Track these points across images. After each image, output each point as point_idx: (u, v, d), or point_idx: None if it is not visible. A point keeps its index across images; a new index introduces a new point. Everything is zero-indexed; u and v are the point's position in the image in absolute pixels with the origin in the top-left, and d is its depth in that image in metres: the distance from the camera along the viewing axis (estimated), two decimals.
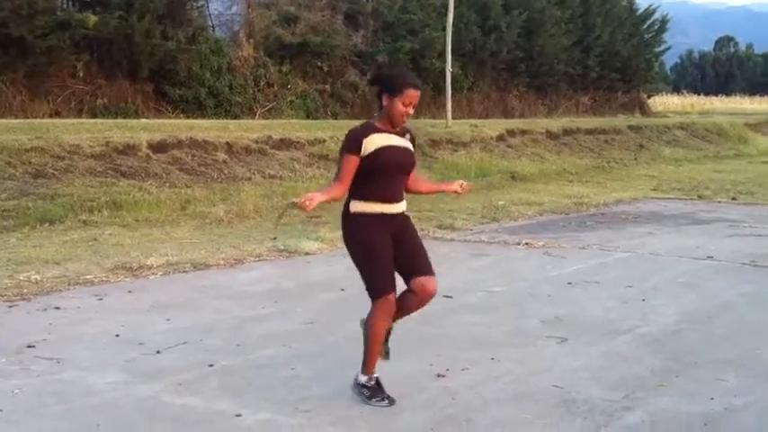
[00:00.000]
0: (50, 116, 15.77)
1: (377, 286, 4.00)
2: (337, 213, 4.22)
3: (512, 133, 20.02)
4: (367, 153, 4.01)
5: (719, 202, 13.19)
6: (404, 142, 4.15)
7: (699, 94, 57.55)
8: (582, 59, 31.00)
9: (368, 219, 4.05)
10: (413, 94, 4.03)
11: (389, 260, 4.04)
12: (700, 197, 13.74)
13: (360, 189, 4.06)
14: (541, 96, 30.11)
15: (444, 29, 20.34)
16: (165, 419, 3.91)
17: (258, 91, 20.57)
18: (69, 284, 6.55)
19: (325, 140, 14.95)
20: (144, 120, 15.71)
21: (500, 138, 19.27)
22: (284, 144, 14.29)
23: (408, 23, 23.75)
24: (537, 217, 11.15)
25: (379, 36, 23.77)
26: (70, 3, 18.13)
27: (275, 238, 8.68)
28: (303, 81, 21.77)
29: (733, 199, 13.49)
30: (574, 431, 3.82)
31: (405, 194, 4.21)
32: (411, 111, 4.07)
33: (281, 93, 21.02)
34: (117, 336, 5.24)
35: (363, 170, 4.03)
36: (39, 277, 6.63)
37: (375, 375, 4.14)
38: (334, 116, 21.74)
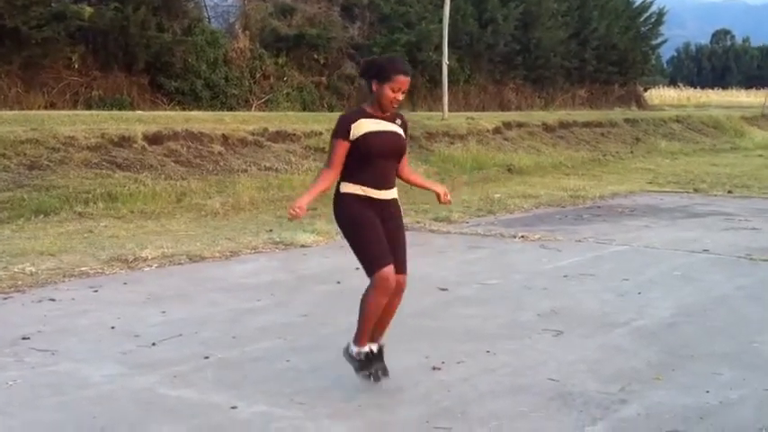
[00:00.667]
0: (45, 108, 15.72)
1: (373, 260, 4.02)
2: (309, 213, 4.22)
3: (508, 126, 20.00)
4: (356, 137, 4.03)
5: (715, 195, 13.20)
6: (394, 127, 4.15)
7: (695, 88, 57.63)
8: (578, 52, 30.97)
9: (357, 199, 4.07)
10: (402, 80, 4.04)
11: (381, 236, 4.06)
12: (696, 190, 13.75)
13: (350, 173, 4.08)
14: (538, 89, 30.09)
15: (441, 21, 20.29)
16: (160, 411, 3.90)
17: (254, 83, 20.53)
18: (64, 276, 6.53)
19: (321, 133, 14.90)
20: (139, 111, 15.66)
21: (496, 130, 19.25)
22: (280, 136, 14.26)
23: (405, 16, 23.69)
24: (533, 210, 11.15)
25: (376, 28, 23.72)
26: None
27: (271, 231, 8.67)
28: (299, 73, 21.73)
29: (729, 192, 13.50)
30: (570, 424, 3.82)
31: (396, 182, 4.22)
32: (401, 97, 4.07)
33: (278, 85, 20.98)
34: (112, 328, 5.23)
35: (353, 155, 4.05)
36: (34, 269, 6.61)
37: (365, 349, 4.12)
38: (331, 108, 21.69)
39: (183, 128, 12.91)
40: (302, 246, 8.07)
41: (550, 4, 28.91)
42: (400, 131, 4.18)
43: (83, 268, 6.78)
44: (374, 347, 4.15)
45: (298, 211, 3.94)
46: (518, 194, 12.32)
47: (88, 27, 16.73)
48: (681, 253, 8.09)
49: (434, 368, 4.54)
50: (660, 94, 47.44)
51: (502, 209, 10.96)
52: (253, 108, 19.73)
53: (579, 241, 8.69)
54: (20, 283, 6.26)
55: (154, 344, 4.90)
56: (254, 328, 5.29)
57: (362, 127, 4.05)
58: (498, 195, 12.03)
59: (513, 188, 13.19)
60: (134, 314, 5.56)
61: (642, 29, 36.32)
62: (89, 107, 16.37)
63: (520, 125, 20.47)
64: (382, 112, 4.12)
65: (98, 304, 5.80)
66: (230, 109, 18.78)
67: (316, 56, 22.11)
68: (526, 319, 5.64)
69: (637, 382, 4.36)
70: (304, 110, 20.58)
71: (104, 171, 10.86)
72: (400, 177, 4.31)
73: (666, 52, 69.67)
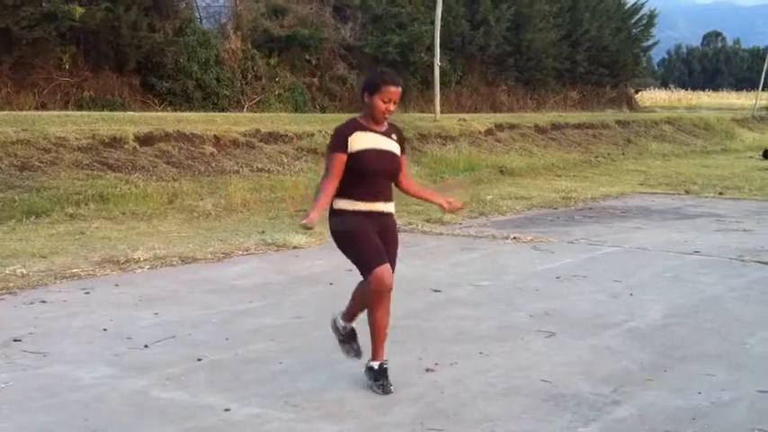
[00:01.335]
0: (36, 108, 15.66)
1: (368, 262, 4.04)
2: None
3: (500, 127, 20.04)
4: (353, 151, 4.05)
5: (706, 196, 13.26)
6: (389, 144, 4.17)
7: (686, 89, 57.85)
8: (570, 54, 31.06)
9: (351, 213, 4.11)
10: (392, 91, 4.08)
11: (376, 240, 4.09)
12: (687, 192, 13.80)
13: (345, 188, 4.09)
14: (530, 91, 30.15)
15: (433, 22, 20.31)
16: (152, 414, 3.89)
17: (246, 84, 20.50)
18: (56, 278, 6.50)
19: (313, 134, 14.91)
20: (131, 112, 15.61)
21: (488, 132, 19.28)
22: (272, 137, 14.25)
23: (397, 17, 23.69)
24: (525, 211, 11.17)
25: (368, 29, 23.72)
26: None
27: (263, 232, 8.66)
28: (291, 74, 21.71)
29: (720, 194, 13.55)
30: (562, 425, 3.82)
31: (393, 194, 4.25)
32: (392, 107, 4.11)
33: (269, 86, 20.95)
34: (104, 330, 5.21)
35: (348, 169, 4.06)
36: (25, 271, 6.58)
37: (352, 325, 4.35)
38: (323, 110, 21.69)
39: (175, 129, 12.88)
40: (295, 247, 8.06)
41: (542, 6, 28.97)
42: (396, 149, 4.20)
43: (74, 270, 6.76)
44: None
45: (311, 223, 3.90)
46: (510, 196, 12.34)
47: (79, 27, 16.68)
48: (672, 254, 8.12)
49: (428, 369, 4.54)
50: (651, 96, 47.64)
51: (494, 210, 10.98)
52: (245, 109, 19.70)
53: (571, 243, 8.71)
54: (11, 284, 6.23)
55: (146, 346, 4.88)
56: (247, 330, 5.28)
57: (358, 141, 4.07)
58: (490, 197, 12.04)
59: (505, 190, 13.21)
60: (126, 316, 5.54)
61: (633, 31, 36.44)
62: (80, 108, 16.32)
63: (512, 127, 20.51)
64: (375, 123, 4.15)
65: (90, 306, 5.78)
66: (222, 110, 18.75)
67: (308, 57, 22.10)
68: (519, 320, 5.64)
69: (629, 384, 4.37)
70: (296, 111, 20.56)
71: (96, 172, 10.83)
72: (400, 190, 4.34)
73: (658, 54, 69.95)
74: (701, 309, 6.04)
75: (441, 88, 20.42)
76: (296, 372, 4.49)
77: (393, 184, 4.28)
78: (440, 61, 20.11)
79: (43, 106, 16.06)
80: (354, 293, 4.28)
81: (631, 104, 36.52)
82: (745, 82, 64.03)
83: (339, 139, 4.08)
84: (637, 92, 39.95)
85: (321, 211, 4.00)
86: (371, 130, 4.13)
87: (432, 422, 3.82)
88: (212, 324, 5.40)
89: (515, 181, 14.74)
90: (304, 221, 3.92)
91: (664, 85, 60.32)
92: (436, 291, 6.43)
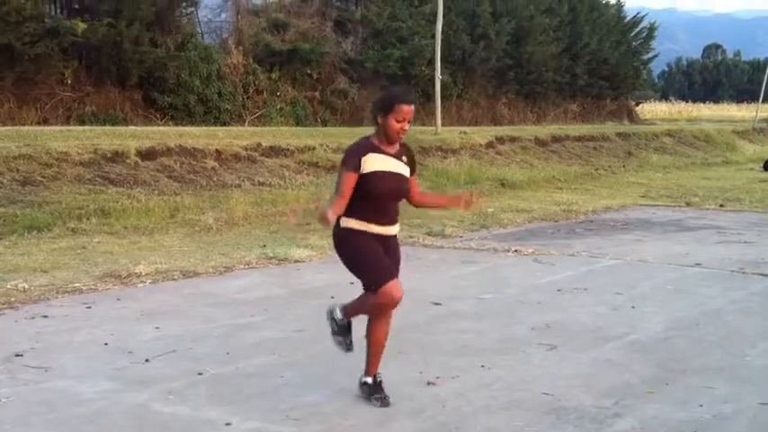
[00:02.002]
0: (38, 123, 15.73)
1: (377, 277, 4.02)
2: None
3: (501, 140, 20.08)
4: (365, 172, 4.03)
5: (707, 209, 13.26)
6: (400, 167, 4.15)
7: (687, 102, 57.89)
8: (570, 67, 31.15)
9: (357, 232, 4.09)
10: (406, 110, 4.04)
11: (383, 256, 4.07)
12: (688, 204, 13.80)
13: (352, 208, 4.07)
14: (530, 104, 30.24)
15: (434, 36, 20.40)
16: (154, 428, 3.89)
17: (247, 98, 20.58)
18: (57, 293, 6.51)
19: (314, 148, 14.95)
20: (132, 127, 15.67)
21: (489, 145, 19.32)
22: (273, 151, 14.29)
23: (398, 31, 23.80)
24: (526, 224, 11.18)
25: (369, 43, 23.82)
26: (59, 10, 18.10)
27: (265, 246, 8.67)
28: (292, 88, 21.79)
29: (721, 206, 13.55)
30: None
31: (398, 216, 4.24)
32: (407, 126, 4.07)
33: (271, 100, 21.03)
34: (105, 344, 5.21)
35: (358, 190, 4.04)
36: (26, 285, 6.59)
37: (348, 320, 4.34)
38: (324, 123, 21.75)
39: (177, 143, 12.92)
40: (296, 261, 8.06)
41: (542, 20, 29.08)
42: (405, 172, 4.18)
43: (76, 284, 6.76)
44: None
45: (330, 218, 3.88)
46: (511, 209, 12.35)
47: (81, 43, 16.77)
48: (673, 267, 8.12)
49: (429, 383, 4.54)
50: (652, 109, 47.72)
51: (495, 223, 10.98)
52: (246, 123, 19.76)
53: (572, 255, 8.71)
54: (13, 299, 6.24)
55: (147, 360, 4.88)
56: (248, 344, 5.27)
57: (371, 163, 4.05)
58: (491, 210, 12.05)
59: (505, 202, 13.22)
60: (127, 330, 5.54)
61: (633, 43, 36.57)
62: (82, 123, 16.37)
63: (512, 139, 20.55)
64: (389, 143, 4.12)
65: (91, 320, 5.78)
66: (223, 124, 18.82)
67: (309, 71, 22.19)
68: (520, 333, 5.64)
69: (631, 397, 4.36)
70: (297, 125, 20.63)
71: (97, 187, 10.86)
72: (415, 206, 4.36)
73: (658, 66, 70.08)
74: (703, 321, 6.03)
75: (441, 101, 20.49)
76: (297, 385, 4.49)
77: (405, 202, 4.28)
78: (441, 75, 20.19)
79: (45, 121, 16.12)
80: (360, 298, 4.20)
81: (632, 117, 36.60)
82: (746, 94, 64.10)
83: (352, 159, 4.05)
84: (637, 104, 40.05)
85: (335, 216, 3.94)
86: (384, 153, 4.10)
87: None
88: (213, 338, 5.41)
89: (516, 194, 14.75)
90: (326, 216, 3.84)
91: (664, 97, 60.41)
92: (437, 304, 6.43)
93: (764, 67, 38.63)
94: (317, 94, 22.37)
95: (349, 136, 16.69)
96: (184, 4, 19.62)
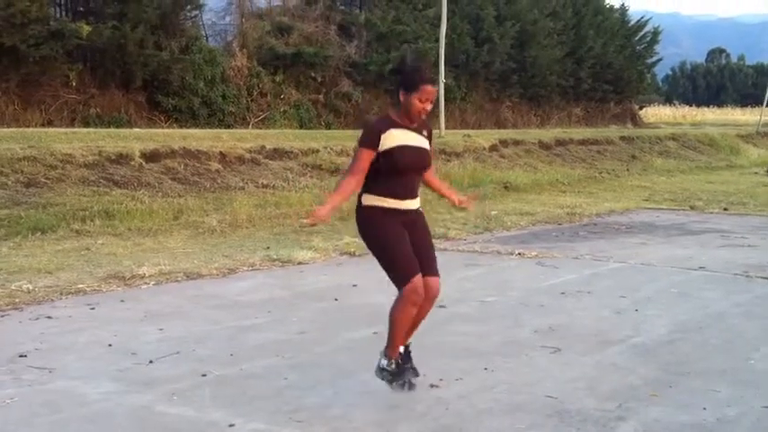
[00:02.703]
0: (43, 125, 15.77)
1: (401, 273, 3.99)
2: (331, 222, 4.22)
3: (504, 144, 20.08)
4: (384, 149, 3.98)
5: (711, 212, 13.24)
6: (421, 141, 4.13)
7: (691, 105, 57.88)
8: (574, 71, 31.17)
9: (380, 211, 4.04)
10: (430, 90, 4.02)
11: (408, 247, 4.03)
12: (692, 208, 13.79)
13: (373, 184, 4.03)
14: (534, 107, 30.26)
15: (437, 40, 20.42)
16: (157, 429, 3.89)
17: (251, 101, 20.62)
18: (61, 294, 6.52)
19: (318, 150, 14.97)
20: (137, 129, 15.70)
21: (493, 148, 19.32)
22: (277, 154, 14.31)
23: (402, 34, 23.84)
24: (530, 227, 11.17)
25: (373, 47, 23.86)
26: (64, 12, 18.16)
27: (268, 248, 8.68)
28: (296, 91, 21.83)
29: (725, 210, 13.54)
30: None
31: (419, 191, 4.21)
32: (429, 106, 4.05)
33: (275, 103, 21.07)
34: (109, 345, 5.22)
35: (378, 166, 4.00)
36: (31, 287, 6.61)
37: (395, 359, 4.15)
38: (328, 126, 21.79)
39: (181, 145, 12.94)
40: (299, 263, 8.07)
41: (546, 23, 29.11)
42: (426, 145, 4.17)
43: (80, 286, 6.78)
44: (401, 347, 4.19)
45: (316, 219, 3.88)
46: (515, 212, 12.35)
47: (86, 45, 16.83)
48: (677, 270, 8.11)
49: (432, 385, 4.53)
50: (656, 112, 47.71)
51: (499, 226, 10.98)
52: (250, 126, 19.80)
53: (576, 258, 8.71)
54: (17, 300, 6.25)
55: (151, 361, 4.89)
56: (252, 346, 5.28)
57: (392, 138, 4.01)
58: (495, 212, 12.05)
59: (509, 205, 13.22)
60: (131, 332, 5.55)
61: (637, 47, 36.60)
62: (86, 125, 16.42)
63: (516, 143, 20.55)
64: (410, 122, 4.09)
65: (95, 322, 5.79)
66: (228, 127, 18.85)
67: (313, 74, 22.23)
68: (523, 336, 5.64)
69: (634, 400, 4.36)
70: (301, 127, 20.66)
71: (102, 188, 10.89)
72: (424, 182, 4.32)
73: (662, 70, 70.12)
74: (706, 324, 6.02)
75: (445, 105, 20.49)
76: (301, 387, 4.49)
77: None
78: (444, 78, 20.19)
79: (50, 123, 16.16)
80: (389, 318, 4.13)
81: (636, 121, 36.60)
82: (750, 98, 64.05)
83: (371, 135, 4.00)
84: (641, 108, 40.05)
85: (332, 209, 3.91)
86: (405, 127, 4.07)
87: None
88: (217, 339, 5.41)
89: (520, 197, 14.75)
90: (309, 218, 3.87)
91: (668, 101, 60.35)
92: (441, 306, 6.40)
93: None
94: (320, 97, 22.41)
95: (353, 139, 16.73)
96: (189, 7, 19.68)
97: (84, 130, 14.65)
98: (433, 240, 9.19)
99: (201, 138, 14.12)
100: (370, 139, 3.99)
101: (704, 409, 4.24)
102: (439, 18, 20.46)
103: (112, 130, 14.65)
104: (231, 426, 3.92)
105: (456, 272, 7.93)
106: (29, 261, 7.62)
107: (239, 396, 4.33)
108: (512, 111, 29.07)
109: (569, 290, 7.09)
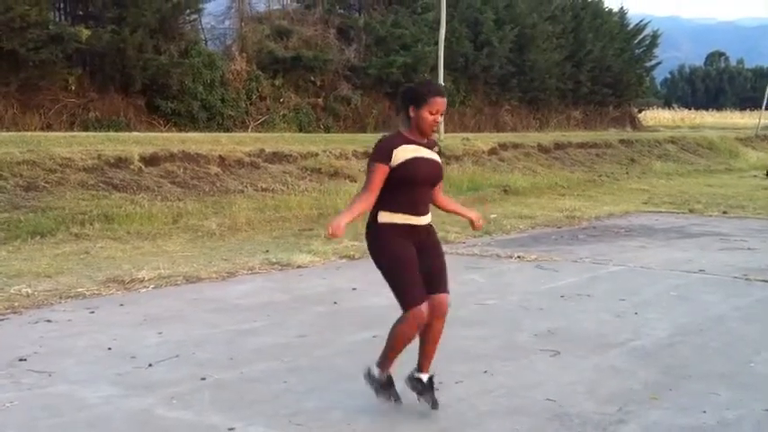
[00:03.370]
0: (42, 129, 15.78)
1: (407, 298, 3.97)
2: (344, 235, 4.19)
3: (504, 147, 20.09)
4: (397, 163, 3.98)
5: (710, 215, 13.25)
6: (433, 155, 4.12)
7: (690, 109, 57.96)
8: (573, 74, 31.20)
9: (394, 229, 4.02)
10: (439, 102, 4.02)
11: (416, 272, 4.01)
12: (691, 211, 13.79)
13: (387, 200, 4.01)
14: (533, 110, 30.28)
15: (436, 43, 20.44)
16: None
17: (251, 104, 20.63)
18: (61, 298, 6.52)
19: (317, 154, 14.98)
20: (136, 133, 15.70)
21: (492, 151, 19.33)
22: (277, 157, 14.31)
23: (401, 38, 23.86)
24: (529, 230, 11.18)
25: (372, 50, 23.88)
26: (63, 16, 18.18)
27: (267, 251, 8.67)
28: (296, 95, 21.84)
29: (724, 213, 13.54)
30: None
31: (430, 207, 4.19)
32: (439, 119, 4.05)
33: (274, 106, 21.08)
34: (109, 349, 5.22)
35: (392, 181, 3.99)
36: (30, 290, 6.60)
37: (386, 374, 4.14)
38: (327, 130, 21.80)
39: (180, 149, 12.95)
40: (299, 266, 8.07)
41: (545, 27, 29.15)
42: (439, 159, 4.16)
43: (79, 289, 6.77)
44: (424, 377, 4.15)
45: (336, 230, 3.84)
46: (514, 215, 12.35)
47: (85, 49, 16.84)
48: (677, 273, 8.11)
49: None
50: (655, 116, 47.76)
51: (498, 229, 10.98)
52: (249, 129, 19.81)
53: (575, 261, 8.71)
54: (16, 304, 6.25)
55: (150, 365, 4.89)
56: (251, 350, 5.27)
57: (405, 152, 4.00)
58: (494, 216, 12.05)
59: (509, 209, 13.22)
60: (130, 335, 5.54)
61: (636, 51, 36.64)
62: (86, 128, 16.43)
63: (515, 146, 20.57)
64: (421, 136, 4.08)
65: (94, 325, 5.79)
66: (227, 130, 18.86)
67: (312, 77, 22.25)
68: (523, 339, 5.64)
69: (634, 403, 4.35)
70: (300, 131, 20.67)
71: (101, 192, 10.88)
72: (436, 205, 4.29)
73: (661, 74, 70.21)
74: (706, 328, 6.02)
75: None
76: (300, 391, 4.49)
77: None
78: (443, 82, 20.19)
79: (49, 127, 16.17)
80: (390, 333, 4.10)
81: (635, 124, 36.63)
82: (749, 101, 64.13)
83: (383, 151, 4.00)
84: (640, 111, 40.09)
85: (349, 221, 3.89)
86: (416, 143, 4.06)
87: None
88: (216, 343, 5.41)
89: (519, 200, 14.75)
90: (330, 230, 3.83)
91: (667, 104, 60.46)
92: None
93: (767, 75, 38.63)
94: (320, 100, 22.42)
95: (352, 142, 16.74)
96: (188, 11, 19.70)
97: (84, 133, 14.65)
98: None
99: (201, 141, 14.12)
100: (382, 155, 3.99)
101: (704, 412, 4.24)
102: (438, 22, 20.47)
103: (112, 134, 14.64)
104: (231, 429, 3.91)
105: (456, 275, 7.90)
106: (28, 265, 7.62)
107: (239, 400, 4.33)
108: (511, 114, 29.09)
109: (569, 293, 7.09)
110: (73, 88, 17.02)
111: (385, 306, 5.99)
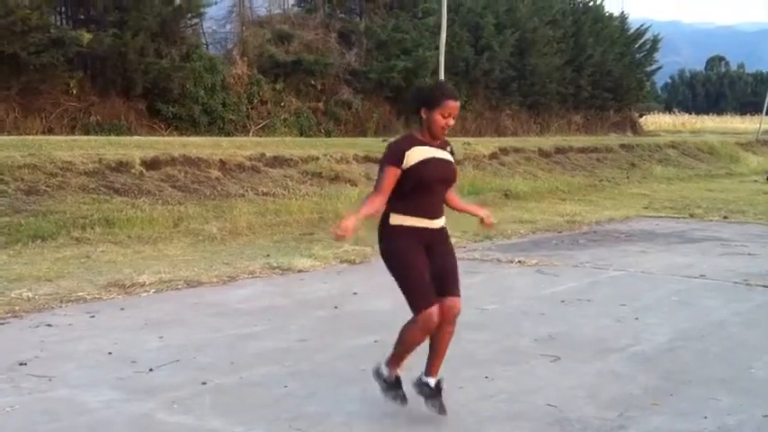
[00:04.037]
0: (43, 133, 15.77)
1: (417, 302, 3.96)
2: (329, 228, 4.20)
3: (504, 151, 20.10)
4: (409, 165, 3.95)
5: (711, 220, 13.25)
6: (446, 155, 4.10)
7: (690, 113, 57.94)
8: (574, 79, 31.20)
9: (406, 232, 3.99)
10: (452, 105, 4.00)
11: (427, 277, 3.99)
12: (691, 216, 13.79)
13: (400, 202, 3.99)
14: (534, 115, 30.27)
15: (437, 48, 20.42)
16: None
17: (252, 108, 20.63)
18: (62, 302, 6.52)
19: (318, 158, 14.98)
20: (137, 137, 15.71)
21: (493, 156, 19.34)
22: (277, 161, 14.32)
23: (401, 42, 23.86)
24: (530, 235, 11.18)
25: (373, 55, 23.89)
26: (64, 20, 18.19)
27: (268, 255, 8.67)
28: (297, 99, 21.84)
29: (725, 218, 13.54)
30: None
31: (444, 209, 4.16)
32: (451, 122, 4.02)
33: (275, 110, 21.08)
34: (109, 353, 5.22)
35: (405, 183, 3.96)
36: (31, 294, 6.60)
37: (395, 374, 4.13)
38: (328, 134, 21.80)
39: (181, 153, 12.96)
40: (300, 271, 8.07)
41: (546, 31, 29.16)
42: (452, 160, 4.13)
43: (80, 293, 6.77)
44: (431, 382, 4.12)
45: (344, 232, 3.81)
46: (515, 219, 12.35)
47: (87, 53, 16.84)
48: (677, 278, 8.11)
49: None
50: (655, 120, 47.75)
51: (499, 234, 10.97)
52: (250, 133, 19.81)
53: (576, 266, 8.71)
54: (17, 308, 6.25)
55: (151, 369, 4.89)
56: (252, 354, 5.28)
57: (417, 154, 3.97)
58: (495, 220, 12.02)
59: (509, 213, 13.22)
60: (131, 340, 5.55)
61: (637, 56, 36.62)
62: (87, 132, 16.42)
63: (516, 150, 20.58)
64: (433, 138, 4.05)
65: (95, 330, 5.79)
66: (228, 134, 18.86)
67: (313, 82, 22.25)
68: (524, 344, 5.64)
69: (634, 408, 4.36)
70: (301, 135, 20.68)
71: (102, 196, 10.89)
72: (447, 204, 4.26)
73: (661, 78, 70.23)
74: (707, 333, 6.02)
75: None
76: (301, 396, 4.49)
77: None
78: None
79: (50, 131, 16.17)
80: (398, 339, 4.10)
81: (635, 129, 36.61)
82: (749, 106, 64.15)
83: (395, 153, 3.97)
84: (641, 116, 40.07)
85: (358, 222, 3.84)
86: (428, 144, 4.04)
87: None
88: (217, 347, 5.41)
89: (520, 204, 14.75)
90: (338, 231, 3.80)
91: (667, 109, 60.43)
92: None
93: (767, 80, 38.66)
94: (320, 104, 22.42)
95: (353, 147, 16.76)
96: (189, 15, 19.70)
97: (85, 137, 14.66)
98: None
99: (201, 145, 14.13)
100: (394, 157, 3.97)
101: (705, 417, 4.24)
102: (439, 26, 20.45)
103: (113, 138, 14.66)
104: None
105: None
106: (29, 269, 7.62)
107: (239, 404, 4.33)
108: (511, 118, 29.08)
109: (569, 298, 7.09)
110: (74, 92, 17.02)
111: (386, 311, 6.00)
